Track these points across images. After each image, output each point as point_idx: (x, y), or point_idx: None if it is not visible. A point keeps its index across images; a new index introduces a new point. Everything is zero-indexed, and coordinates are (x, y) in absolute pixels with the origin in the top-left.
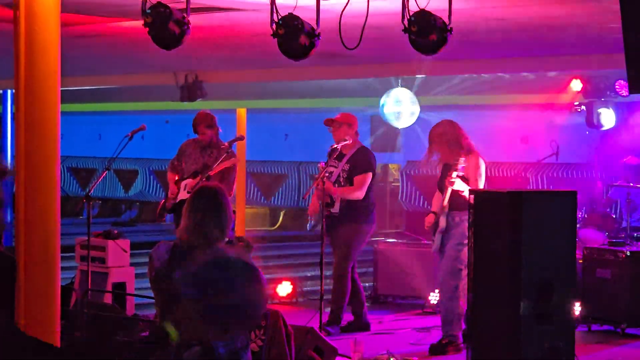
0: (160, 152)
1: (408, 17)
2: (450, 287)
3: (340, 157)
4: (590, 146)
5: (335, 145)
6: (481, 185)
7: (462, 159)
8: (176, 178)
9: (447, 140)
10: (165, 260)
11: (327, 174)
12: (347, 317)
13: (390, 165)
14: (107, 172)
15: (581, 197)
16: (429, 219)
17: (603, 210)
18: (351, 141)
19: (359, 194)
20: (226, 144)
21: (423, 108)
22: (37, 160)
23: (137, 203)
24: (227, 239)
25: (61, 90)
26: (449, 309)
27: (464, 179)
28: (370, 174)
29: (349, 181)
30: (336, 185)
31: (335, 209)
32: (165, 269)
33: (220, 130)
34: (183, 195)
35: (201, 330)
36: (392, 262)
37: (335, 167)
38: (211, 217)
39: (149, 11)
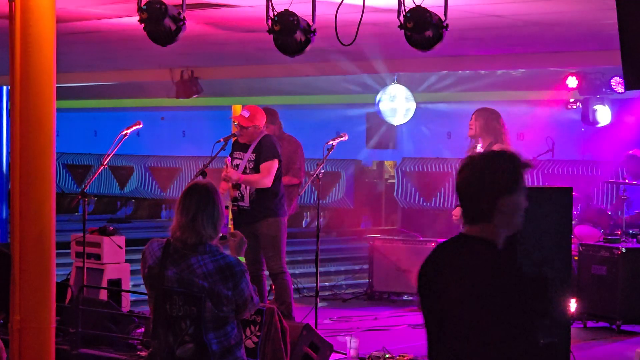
0: (155, 149)
1: (404, 13)
2: None
3: (244, 148)
4: (586, 143)
5: (240, 141)
6: None
7: (479, 146)
8: None
9: (485, 120)
10: (157, 258)
11: (234, 167)
12: None
13: (385, 162)
14: (102, 168)
15: (577, 193)
16: (456, 212)
17: (598, 207)
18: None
19: (266, 182)
20: (221, 140)
21: (418, 104)
22: (32, 157)
23: (133, 200)
24: (220, 235)
25: (56, 86)
26: None
27: None
28: (276, 161)
29: (256, 171)
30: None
31: (245, 202)
32: (158, 266)
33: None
34: None
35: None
36: (387, 259)
37: (241, 159)
38: (203, 214)
39: (144, 7)
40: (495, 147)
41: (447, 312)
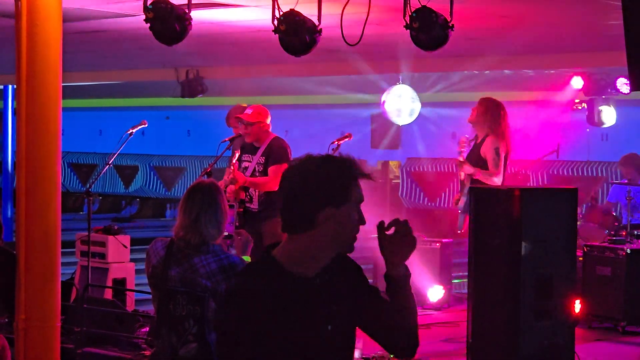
0: (160, 148)
1: (409, 14)
2: None
3: (253, 150)
4: (591, 143)
5: (247, 140)
6: (498, 167)
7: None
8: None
9: (486, 108)
10: (161, 257)
11: (242, 170)
12: None
13: (390, 162)
14: (107, 167)
15: (581, 194)
16: (455, 197)
17: (603, 208)
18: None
19: (273, 185)
20: (227, 139)
21: (423, 105)
22: (38, 156)
23: (138, 199)
24: (225, 234)
25: (62, 85)
26: None
27: (482, 159)
28: (285, 165)
29: (265, 174)
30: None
31: (254, 204)
32: (162, 265)
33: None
34: None
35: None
36: None
37: (250, 161)
38: (206, 214)
39: (150, 7)
40: (489, 140)
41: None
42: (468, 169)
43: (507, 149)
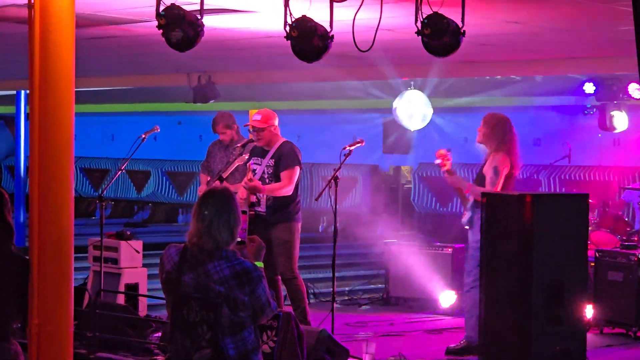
0: (172, 154)
1: (421, 20)
2: (467, 287)
3: (263, 153)
4: (603, 149)
5: (259, 145)
6: (494, 185)
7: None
8: (208, 179)
9: (492, 128)
10: (175, 263)
11: (251, 172)
12: None
13: (402, 167)
14: (119, 173)
15: (593, 199)
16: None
17: (615, 213)
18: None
19: (288, 190)
20: (239, 145)
21: (435, 110)
22: (50, 161)
23: (150, 204)
24: (238, 239)
25: (75, 90)
26: (467, 310)
27: (482, 175)
28: (297, 169)
29: (275, 177)
30: (261, 182)
31: (262, 207)
32: (175, 271)
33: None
34: None
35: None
36: (404, 264)
37: (259, 164)
38: (220, 219)
39: (163, 13)
40: (490, 158)
41: None
42: (457, 180)
43: (510, 165)
